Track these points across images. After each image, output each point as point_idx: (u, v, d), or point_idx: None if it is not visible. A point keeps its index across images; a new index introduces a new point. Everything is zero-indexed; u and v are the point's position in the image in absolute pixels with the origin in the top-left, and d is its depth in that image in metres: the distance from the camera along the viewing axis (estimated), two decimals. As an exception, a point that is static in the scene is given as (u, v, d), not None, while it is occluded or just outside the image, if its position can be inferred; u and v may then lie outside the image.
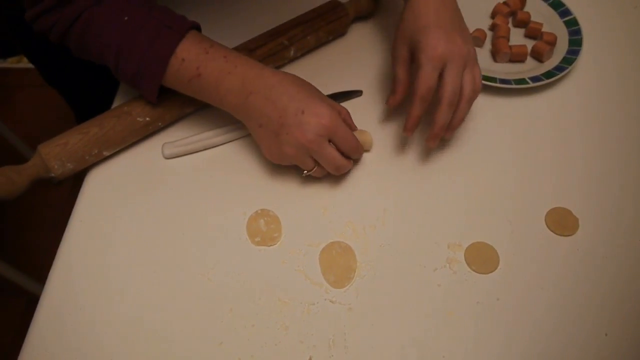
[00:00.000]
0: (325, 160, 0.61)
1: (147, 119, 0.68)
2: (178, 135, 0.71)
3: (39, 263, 1.42)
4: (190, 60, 0.61)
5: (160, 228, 0.64)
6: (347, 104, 0.74)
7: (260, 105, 0.60)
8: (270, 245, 0.63)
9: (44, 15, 0.61)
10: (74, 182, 0.71)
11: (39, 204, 1.70)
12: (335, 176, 0.67)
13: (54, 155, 0.64)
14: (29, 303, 1.53)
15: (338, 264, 0.62)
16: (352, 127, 0.67)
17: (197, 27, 0.64)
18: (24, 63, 1.92)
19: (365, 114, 0.73)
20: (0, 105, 1.52)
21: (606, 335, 0.57)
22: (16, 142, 1.55)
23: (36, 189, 0.65)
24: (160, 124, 0.70)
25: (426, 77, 0.61)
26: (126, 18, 0.60)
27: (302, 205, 0.66)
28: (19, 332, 1.49)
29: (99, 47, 0.62)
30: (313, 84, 0.63)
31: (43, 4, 0.60)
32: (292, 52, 0.75)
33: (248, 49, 0.72)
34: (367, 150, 0.69)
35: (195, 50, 0.61)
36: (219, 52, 0.61)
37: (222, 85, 0.61)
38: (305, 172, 0.64)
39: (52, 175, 0.65)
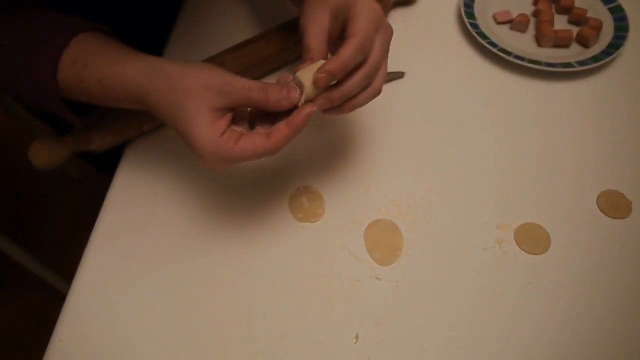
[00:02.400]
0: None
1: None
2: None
3: (59, 257, 1.43)
4: (76, 91, 0.52)
5: (200, 204, 0.63)
6: (389, 85, 0.72)
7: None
8: (314, 222, 0.61)
9: None
10: (94, 181, 0.69)
11: (60, 201, 1.70)
12: (377, 156, 0.66)
13: (95, 126, 0.63)
14: (47, 299, 1.52)
15: (383, 241, 0.60)
16: (266, 102, 0.48)
17: (89, 29, 0.54)
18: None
19: (408, 94, 0.72)
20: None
21: (665, 318, 0.55)
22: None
23: (58, 185, 0.63)
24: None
25: (365, 22, 0.49)
26: (5, 42, 0.51)
27: (344, 183, 0.64)
28: (38, 327, 1.49)
29: None
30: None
31: None
32: (333, 33, 0.74)
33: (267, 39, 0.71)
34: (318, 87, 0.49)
35: (71, 79, 0.51)
36: (92, 75, 0.51)
37: (123, 107, 0.54)
38: None
39: (93, 146, 0.64)
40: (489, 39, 0.75)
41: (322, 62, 0.48)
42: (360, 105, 0.52)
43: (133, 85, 0.50)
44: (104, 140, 0.64)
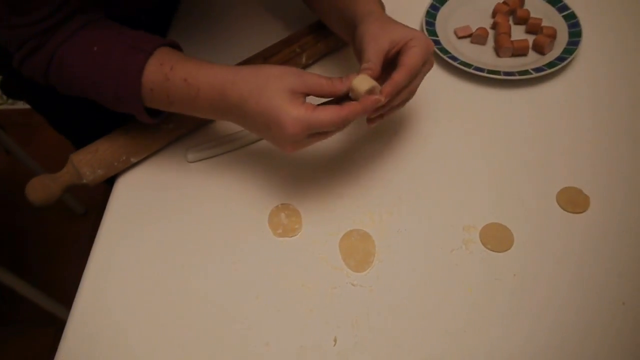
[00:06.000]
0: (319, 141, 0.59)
1: (171, 125, 0.72)
2: (201, 140, 0.75)
3: (67, 292, 1.46)
4: (157, 91, 0.60)
5: (187, 228, 0.67)
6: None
7: (239, 123, 0.60)
8: (292, 236, 0.66)
9: (27, 59, 0.60)
10: (97, 216, 0.73)
11: (65, 236, 1.75)
12: (348, 171, 0.70)
13: (85, 162, 0.68)
14: (57, 332, 1.56)
15: (358, 249, 0.64)
16: (333, 89, 0.57)
17: (167, 44, 0.62)
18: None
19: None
20: (26, 144, 1.59)
21: (624, 304, 0.58)
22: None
23: (63, 221, 0.67)
24: (183, 130, 0.73)
25: (418, 56, 0.59)
26: (95, 48, 0.59)
27: (320, 199, 0.69)
28: None
29: (77, 83, 0.61)
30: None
31: (24, 48, 0.59)
32: (304, 59, 0.79)
33: (264, 57, 0.77)
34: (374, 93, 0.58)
35: (157, 77, 0.59)
36: (178, 75, 0.59)
37: (197, 109, 0.61)
38: None
39: (84, 181, 0.69)
40: (450, 53, 0.80)
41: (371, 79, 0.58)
42: (399, 107, 0.63)
43: (219, 81, 0.58)
44: (95, 174, 0.69)
